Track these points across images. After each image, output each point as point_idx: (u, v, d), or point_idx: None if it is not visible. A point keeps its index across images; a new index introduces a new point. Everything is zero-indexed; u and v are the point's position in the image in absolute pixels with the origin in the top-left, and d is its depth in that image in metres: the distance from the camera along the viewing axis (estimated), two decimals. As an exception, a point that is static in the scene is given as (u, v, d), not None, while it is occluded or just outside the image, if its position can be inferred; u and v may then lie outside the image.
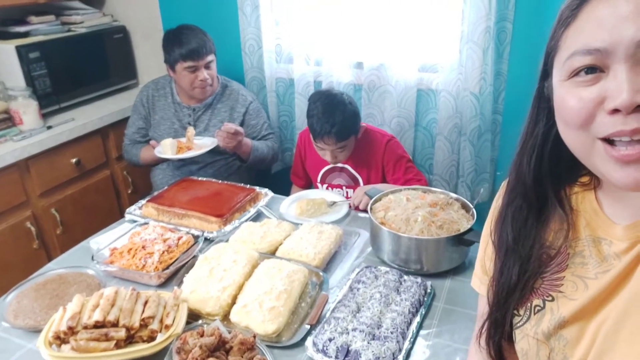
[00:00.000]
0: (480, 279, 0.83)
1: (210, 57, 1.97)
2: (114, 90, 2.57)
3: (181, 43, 1.91)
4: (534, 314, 0.66)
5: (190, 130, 1.94)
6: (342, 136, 1.68)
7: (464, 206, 1.37)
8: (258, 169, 2.27)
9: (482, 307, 0.83)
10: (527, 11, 1.77)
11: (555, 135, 0.61)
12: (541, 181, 0.65)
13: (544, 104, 0.62)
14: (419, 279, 1.20)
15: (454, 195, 1.40)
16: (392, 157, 1.77)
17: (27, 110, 2.03)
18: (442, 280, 1.26)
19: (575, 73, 0.53)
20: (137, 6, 2.57)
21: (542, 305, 0.65)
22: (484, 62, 1.78)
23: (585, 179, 0.67)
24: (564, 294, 0.63)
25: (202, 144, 1.95)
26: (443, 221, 1.26)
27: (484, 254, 0.81)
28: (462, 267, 1.30)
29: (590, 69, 0.52)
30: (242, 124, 2.08)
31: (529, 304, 0.67)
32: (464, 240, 1.23)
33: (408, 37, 1.93)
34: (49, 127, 2.10)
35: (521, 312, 0.68)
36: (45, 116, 2.15)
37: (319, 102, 1.69)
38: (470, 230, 1.25)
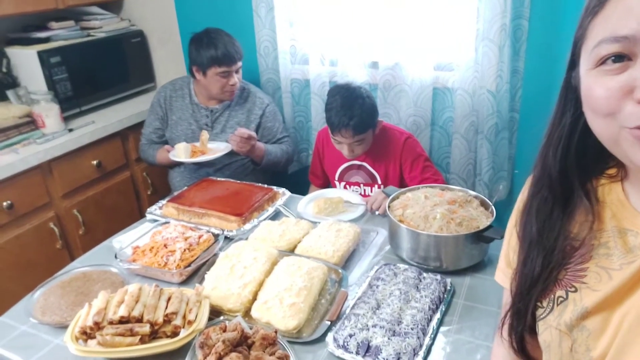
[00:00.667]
0: (503, 272, 0.83)
1: (240, 63, 2.00)
2: (132, 93, 2.62)
3: (216, 47, 1.92)
4: (557, 305, 0.66)
5: (205, 135, 1.95)
6: (360, 129, 1.68)
7: (483, 203, 1.36)
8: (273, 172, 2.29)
9: (506, 300, 0.83)
10: (542, 8, 1.75)
11: (583, 126, 0.61)
12: (567, 173, 0.65)
13: (571, 94, 0.62)
14: (438, 276, 1.20)
15: (472, 192, 1.39)
16: (410, 155, 1.77)
17: (49, 113, 2.08)
18: (461, 277, 1.25)
19: (602, 61, 0.53)
20: (154, 11, 2.61)
21: (565, 297, 0.65)
22: (500, 59, 1.77)
23: (612, 171, 0.66)
24: (587, 285, 0.63)
25: (215, 148, 1.96)
26: (462, 218, 1.26)
27: (508, 246, 0.81)
28: (482, 265, 1.29)
29: (618, 57, 0.52)
30: (258, 127, 2.10)
31: (552, 296, 0.67)
32: (483, 237, 1.23)
33: (423, 36, 1.94)
34: (70, 130, 2.14)
35: (544, 303, 0.68)
36: (66, 119, 2.20)
37: (337, 96, 1.70)
38: (489, 227, 1.24)
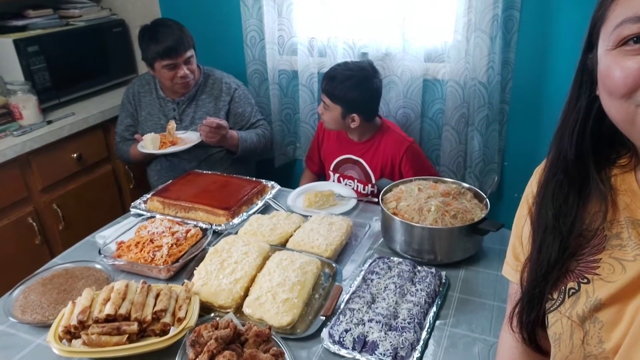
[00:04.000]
0: (512, 265, 0.81)
1: (189, 53, 1.91)
2: (113, 84, 2.54)
3: (157, 40, 1.84)
4: (568, 296, 0.65)
5: (171, 124, 1.88)
6: (331, 95, 1.70)
7: (476, 195, 1.35)
8: (256, 160, 2.24)
9: (513, 292, 0.81)
10: (534, 0, 1.74)
11: (597, 110, 0.61)
12: (582, 157, 0.64)
13: (586, 77, 0.61)
14: (433, 269, 1.18)
15: (465, 184, 1.38)
16: (413, 165, 1.75)
17: (26, 104, 2.00)
18: (455, 270, 1.24)
19: (624, 42, 0.52)
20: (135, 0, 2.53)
21: (577, 288, 0.64)
22: (491, 50, 1.76)
23: (623, 161, 0.65)
24: (600, 276, 0.62)
25: (187, 138, 1.89)
26: (457, 210, 1.24)
27: (515, 239, 0.80)
28: (476, 257, 1.28)
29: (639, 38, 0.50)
30: (228, 113, 2.03)
31: (563, 287, 0.66)
32: (478, 230, 1.22)
33: (413, 26, 1.91)
34: (49, 122, 2.06)
35: (554, 295, 0.67)
36: (44, 111, 2.12)
37: (355, 71, 1.70)
38: (484, 219, 1.23)
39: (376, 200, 1.61)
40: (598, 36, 0.58)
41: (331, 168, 1.90)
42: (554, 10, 1.74)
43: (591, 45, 0.60)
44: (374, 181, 1.81)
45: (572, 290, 0.64)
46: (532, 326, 0.72)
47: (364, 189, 1.82)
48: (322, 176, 2.00)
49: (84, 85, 2.37)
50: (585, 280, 0.63)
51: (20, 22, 2.18)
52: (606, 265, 0.61)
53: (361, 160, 1.81)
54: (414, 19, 1.90)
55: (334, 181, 1.89)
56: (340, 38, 2.03)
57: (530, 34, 1.79)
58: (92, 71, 2.40)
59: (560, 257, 0.66)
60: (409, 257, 1.26)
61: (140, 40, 1.92)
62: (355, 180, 1.84)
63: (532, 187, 0.76)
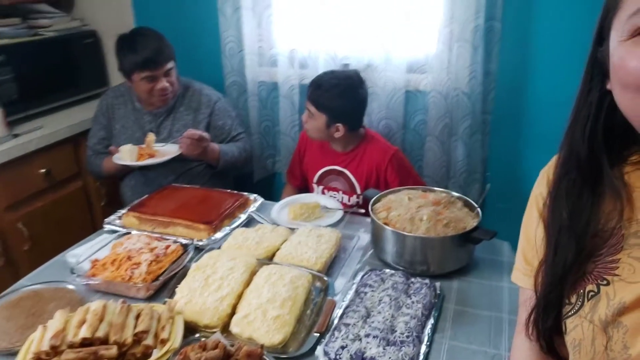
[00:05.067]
0: (523, 270, 0.78)
1: (170, 65, 1.84)
2: (84, 97, 2.43)
3: (136, 50, 1.77)
4: (588, 300, 0.62)
5: (150, 136, 1.81)
6: (316, 102, 1.68)
7: (466, 204, 1.33)
8: (234, 175, 2.17)
9: (526, 300, 0.77)
10: (515, 11, 1.76)
11: (608, 106, 0.59)
12: (595, 153, 0.62)
13: (597, 70, 0.60)
14: (427, 280, 1.14)
15: (455, 193, 1.36)
16: (399, 173, 1.72)
17: (-9, 117, 1.89)
18: (449, 281, 1.20)
19: (639, 32, 0.51)
20: (108, 10, 2.46)
21: (596, 290, 0.61)
22: (474, 60, 1.76)
23: (635, 157, 0.64)
24: (620, 277, 0.59)
25: (166, 151, 1.80)
26: (449, 219, 1.21)
27: (526, 243, 0.77)
28: (468, 268, 1.25)
29: None
30: (208, 126, 1.96)
31: (581, 291, 0.63)
32: (472, 238, 1.19)
33: (395, 38, 1.90)
34: (15, 136, 1.95)
35: (572, 299, 0.64)
36: (11, 124, 2.00)
37: (342, 79, 1.69)
38: (477, 227, 1.20)
39: (363, 211, 1.58)
40: (610, 28, 0.56)
41: (315, 180, 1.86)
42: (534, 21, 1.76)
43: (601, 38, 0.58)
44: (359, 192, 1.77)
45: (592, 293, 0.61)
46: (550, 333, 0.68)
47: (349, 200, 1.78)
48: (303, 190, 1.94)
49: (53, 98, 2.26)
50: (605, 282, 0.60)
51: (-15, 32, 2.08)
52: (626, 265, 0.59)
53: (345, 171, 1.78)
54: (395, 30, 1.89)
55: (317, 193, 1.85)
56: (321, 49, 2.01)
57: (511, 45, 1.80)
58: (61, 83, 2.30)
59: (577, 259, 0.63)
60: (401, 268, 1.22)
61: (117, 50, 1.84)
62: (340, 192, 1.80)
63: (540, 188, 0.74)
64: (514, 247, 1.35)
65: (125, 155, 1.75)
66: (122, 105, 1.98)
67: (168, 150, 1.81)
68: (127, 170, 1.96)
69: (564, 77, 1.78)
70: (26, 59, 2.11)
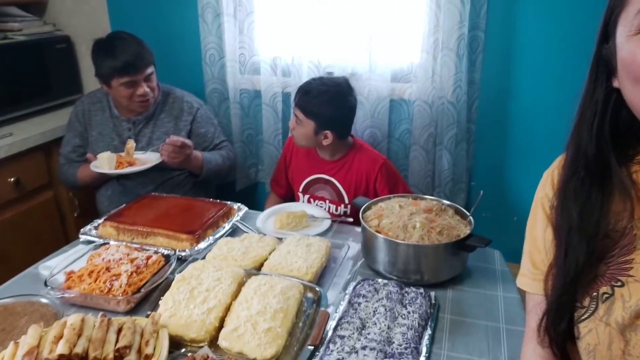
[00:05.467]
0: (530, 275, 0.75)
1: (150, 69, 1.77)
2: (56, 104, 2.34)
3: (114, 55, 1.70)
4: (602, 302, 0.60)
5: (130, 143, 1.73)
6: (304, 108, 1.65)
7: (457, 212, 1.31)
8: (216, 184, 2.11)
9: (535, 305, 0.75)
10: (498, 21, 1.78)
11: (614, 103, 0.59)
12: (603, 151, 0.61)
13: (602, 68, 0.60)
14: (422, 290, 1.11)
15: (446, 201, 1.34)
16: (388, 182, 1.70)
17: (-44, 123, 1.79)
18: (443, 291, 1.17)
19: None
20: (82, 15, 2.38)
21: (610, 292, 0.59)
22: (459, 69, 1.77)
23: None
24: (634, 278, 0.57)
25: (146, 159, 1.73)
26: (442, 227, 1.19)
27: (532, 247, 0.75)
28: (462, 277, 1.23)
29: None
30: (189, 134, 1.89)
31: (594, 294, 0.61)
32: (466, 246, 1.16)
33: (380, 46, 1.90)
34: (-18, 143, 1.85)
35: (585, 302, 0.62)
36: (-23, 131, 1.91)
37: (330, 86, 1.66)
38: (470, 235, 1.18)
39: (351, 220, 1.54)
40: (616, 24, 0.56)
41: (300, 189, 1.81)
42: (517, 31, 1.78)
43: (607, 35, 0.58)
44: (346, 201, 1.73)
45: (606, 295, 0.59)
46: (563, 338, 0.66)
47: (336, 210, 1.74)
48: (288, 200, 1.90)
49: (24, 105, 2.16)
50: (619, 284, 0.59)
51: (-49, 34, 1.98)
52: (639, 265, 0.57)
53: (333, 179, 1.74)
54: (380, 38, 1.88)
55: (303, 202, 1.80)
56: (305, 57, 1.98)
57: (495, 54, 1.82)
58: (32, 89, 2.21)
59: (588, 260, 0.62)
60: (394, 277, 1.18)
61: (94, 55, 1.76)
62: (327, 201, 1.76)
63: (545, 190, 0.72)
64: (504, 255, 1.35)
65: (104, 163, 1.67)
66: (99, 112, 1.90)
67: (148, 158, 1.73)
68: (103, 180, 1.88)
69: (545, 86, 1.82)
70: (-5, 64, 2.02)
